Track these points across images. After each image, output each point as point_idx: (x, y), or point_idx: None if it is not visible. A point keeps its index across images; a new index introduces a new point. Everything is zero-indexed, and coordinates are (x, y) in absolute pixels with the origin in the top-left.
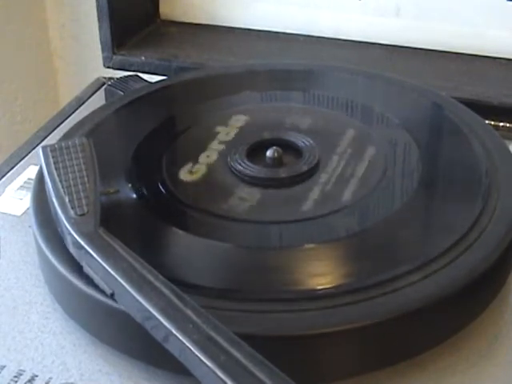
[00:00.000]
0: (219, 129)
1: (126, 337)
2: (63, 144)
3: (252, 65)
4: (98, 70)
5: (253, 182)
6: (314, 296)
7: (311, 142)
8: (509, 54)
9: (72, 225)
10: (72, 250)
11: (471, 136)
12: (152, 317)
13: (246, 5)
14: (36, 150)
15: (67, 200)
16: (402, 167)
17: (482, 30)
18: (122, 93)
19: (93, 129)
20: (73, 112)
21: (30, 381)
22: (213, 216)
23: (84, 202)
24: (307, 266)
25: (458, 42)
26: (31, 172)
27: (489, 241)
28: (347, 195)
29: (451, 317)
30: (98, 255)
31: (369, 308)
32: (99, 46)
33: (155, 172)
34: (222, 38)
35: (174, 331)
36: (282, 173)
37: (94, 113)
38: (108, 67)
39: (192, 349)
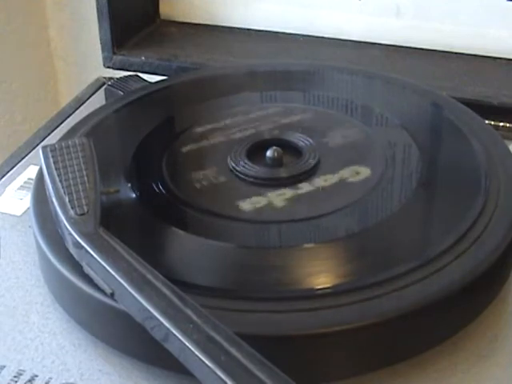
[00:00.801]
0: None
1: (126, 337)
2: (63, 144)
3: (252, 65)
4: (98, 69)
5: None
6: (313, 296)
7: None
8: (509, 53)
9: (72, 224)
10: (72, 249)
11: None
12: (152, 317)
13: (246, 5)
14: (36, 150)
15: (67, 200)
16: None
17: (482, 30)
18: (121, 93)
19: (93, 129)
20: (73, 112)
21: (29, 381)
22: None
23: (84, 201)
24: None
25: (458, 42)
26: (31, 172)
27: (489, 241)
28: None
29: (451, 317)
30: (98, 255)
31: (369, 308)
32: (99, 46)
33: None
34: (222, 37)
35: (174, 331)
36: (282, 173)
37: (93, 113)
38: (108, 67)
39: (192, 349)
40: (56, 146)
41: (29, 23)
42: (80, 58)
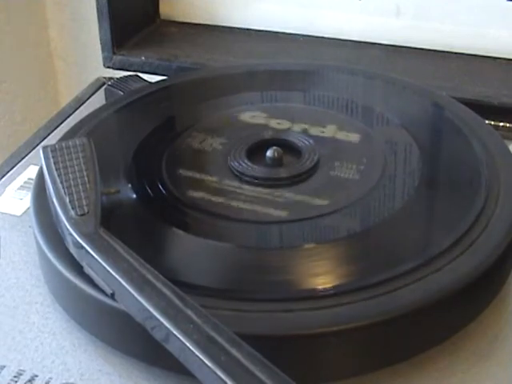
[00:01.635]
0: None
1: (126, 337)
2: (64, 144)
3: (252, 65)
4: (98, 69)
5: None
6: (313, 296)
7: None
8: (509, 53)
9: (72, 225)
10: (72, 250)
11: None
12: (152, 317)
13: (246, 5)
14: (36, 150)
15: (68, 200)
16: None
17: (482, 30)
18: (121, 93)
19: (93, 129)
20: (73, 112)
21: (29, 381)
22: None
23: (84, 202)
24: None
25: (458, 42)
26: (31, 172)
27: (489, 241)
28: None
29: (451, 317)
30: (98, 255)
31: (369, 308)
32: (99, 46)
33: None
34: (222, 37)
35: (175, 331)
36: (282, 173)
37: (93, 113)
38: (108, 67)
39: (192, 349)
40: (56, 146)
41: (29, 23)
42: (80, 58)
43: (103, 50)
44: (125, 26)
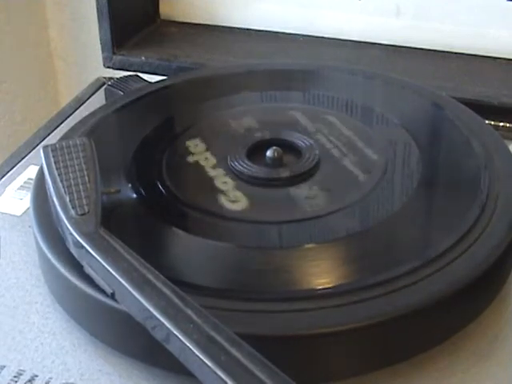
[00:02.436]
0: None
1: (126, 337)
2: (64, 144)
3: (252, 65)
4: (98, 69)
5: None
6: (313, 296)
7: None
8: (509, 53)
9: (73, 224)
10: (72, 249)
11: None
12: (152, 317)
13: (246, 5)
14: (36, 150)
15: (68, 200)
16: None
17: (482, 30)
18: (121, 93)
19: (93, 129)
20: (73, 112)
21: (29, 381)
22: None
23: (85, 201)
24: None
25: (458, 42)
26: (31, 172)
27: (489, 241)
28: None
29: (451, 317)
30: (98, 255)
31: (369, 308)
32: (99, 46)
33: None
34: (222, 37)
35: (175, 331)
36: (282, 173)
37: (93, 113)
38: (108, 67)
39: (192, 349)
40: (57, 145)
41: (29, 23)
42: (80, 58)
43: (103, 50)
44: (125, 26)
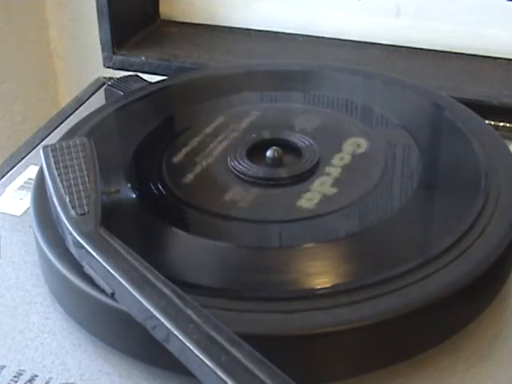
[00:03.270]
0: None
1: (126, 337)
2: (64, 144)
3: (252, 65)
4: (98, 69)
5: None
6: (313, 296)
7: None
8: (509, 53)
9: (73, 224)
10: (72, 249)
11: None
12: (152, 316)
13: (246, 5)
14: (36, 150)
15: (68, 200)
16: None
17: (482, 30)
18: (121, 93)
19: (93, 129)
20: (73, 112)
21: (29, 381)
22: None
23: (85, 201)
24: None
25: (458, 42)
26: (31, 172)
27: (489, 241)
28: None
29: (451, 317)
30: (98, 255)
31: (369, 308)
32: (99, 46)
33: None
34: (222, 37)
35: (175, 331)
36: (282, 173)
37: (93, 113)
38: (108, 67)
39: (192, 349)
40: (57, 145)
41: (29, 23)
42: (80, 58)
43: (103, 50)
44: (125, 26)
